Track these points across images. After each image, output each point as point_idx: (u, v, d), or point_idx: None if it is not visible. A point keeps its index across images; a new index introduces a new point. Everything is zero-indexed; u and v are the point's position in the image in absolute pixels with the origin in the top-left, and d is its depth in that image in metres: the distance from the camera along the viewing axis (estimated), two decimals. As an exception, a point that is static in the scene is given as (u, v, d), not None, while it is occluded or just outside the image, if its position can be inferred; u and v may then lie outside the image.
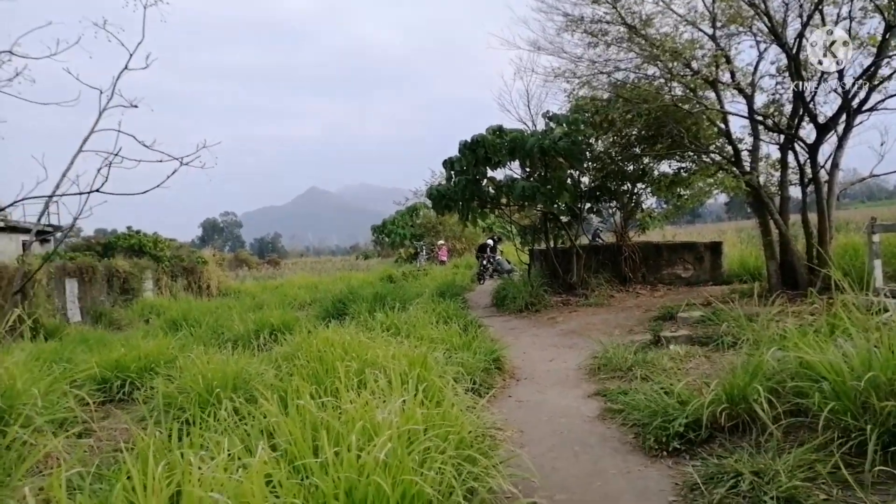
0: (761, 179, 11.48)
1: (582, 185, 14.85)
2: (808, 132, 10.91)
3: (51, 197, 5.85)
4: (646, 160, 13.88)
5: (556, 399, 6.53)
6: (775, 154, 11.87)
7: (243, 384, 5.72)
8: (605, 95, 12.76)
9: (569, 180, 13.78)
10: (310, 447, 3.29)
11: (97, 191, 5.50)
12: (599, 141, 14.04)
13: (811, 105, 10.33)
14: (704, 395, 4.89)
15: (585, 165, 14.11)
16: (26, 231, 21.93)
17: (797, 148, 10.93)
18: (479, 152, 12.96)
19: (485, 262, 23.06)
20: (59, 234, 23.93)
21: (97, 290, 21.29)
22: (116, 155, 5.54)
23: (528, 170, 13.93)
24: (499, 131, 13.20)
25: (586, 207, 15.73)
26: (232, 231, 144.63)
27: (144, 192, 5.72)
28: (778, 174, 11.68)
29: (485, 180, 13.84)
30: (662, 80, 11.44)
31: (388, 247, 41.11)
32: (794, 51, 10.05)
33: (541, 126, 13.83)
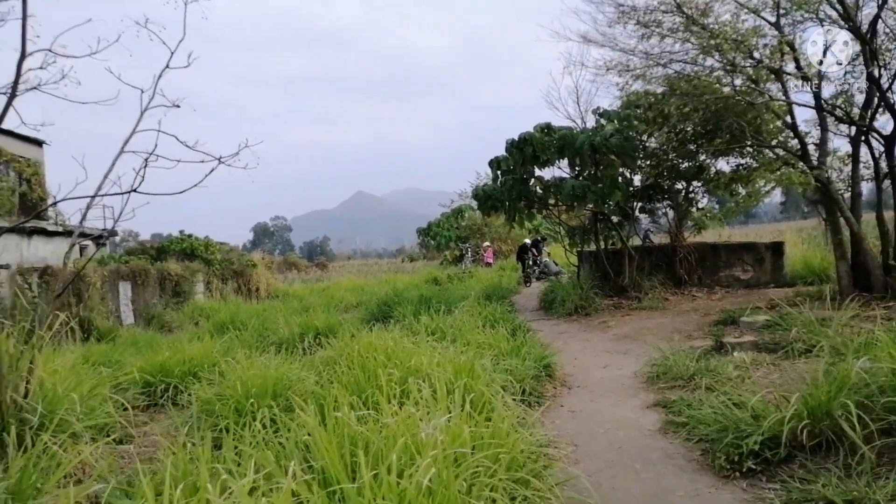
0: (830, 175, 10.75)
1: (634, 184, 14.27)
2: (883, 123, 10.15)
3: (93, 198, 5.78)
4: (702, 157, 13.21)
5: (611, 409, 6.10)
6: (845, 148, 11.12)
7: (283, 391, 5.51)
8: (660, 89, 12.17)
9: (620, 179, 13.23)
10: (346, 467, 3.01)
11: (135, 191, 5.38)
12: (653, 137, 13.44)
13: (888, 94, 9.58)
14: (782, 410, 4.40)
15: (638, 163, 13.54)
16: (83, 235, 22.56)
17: (871, 140, 10.17)
18: (526, 151, 12.56)
19: (529, 264, 22.58)
20: (100, 237, 24.57)
21: (150, 292, 21.74)
22: (155, 155, 5.42)
23: (577, 168, 13.45)
24: (547, 129, 12.77)
25: (638, 207, 15.13)
26: (282, 235, 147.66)
27: (182, 192, 5.58)
28: (848, 169, 10.92)
29: (532, 180, 13.43)
30: (722, 72, 10.83)
31: (434, 249, 40.97)
32: (868, 36, 9.34)
33: (590, 123, 13.36)
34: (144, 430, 6.13)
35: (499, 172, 13.33)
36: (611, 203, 13.28)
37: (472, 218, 37.43)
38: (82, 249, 22.56)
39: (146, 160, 5.34)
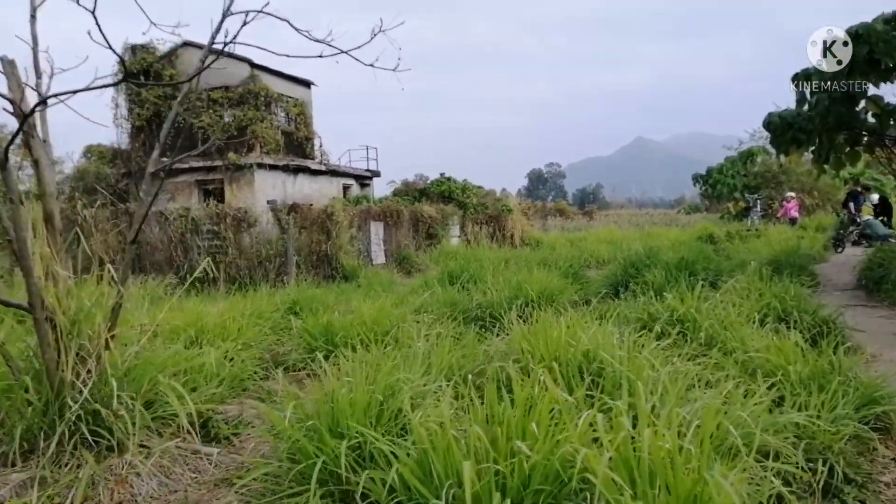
0: None
1: None
2: None
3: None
4: None
5: None
6: None
7: (394, 409, 3.47)
8: None
9: None
10: None
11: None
12: None
13: None
14: None
15: None
16: (345, 175, 23.49)
17: None
18: (858, 54, 8.38)
19: (844, 221, 17.20)
20: (363, 177, 25.23)
21: (402, 233, 21.75)
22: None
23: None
24: (897, 20, 8.36)
25: None
26: (555, 181, 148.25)
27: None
28: None
29: (863, 101, 9.14)
30: None
31: (714, 199, 35.23)
32: None
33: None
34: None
35: (806, 92, 9.32)
36: None
37: (767, 163, 31.02)
38: (346, 189, 23.51)
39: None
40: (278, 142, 18.87)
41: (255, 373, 6.37)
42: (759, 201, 28.71)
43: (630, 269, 11.12)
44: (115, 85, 3.40)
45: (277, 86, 19.54)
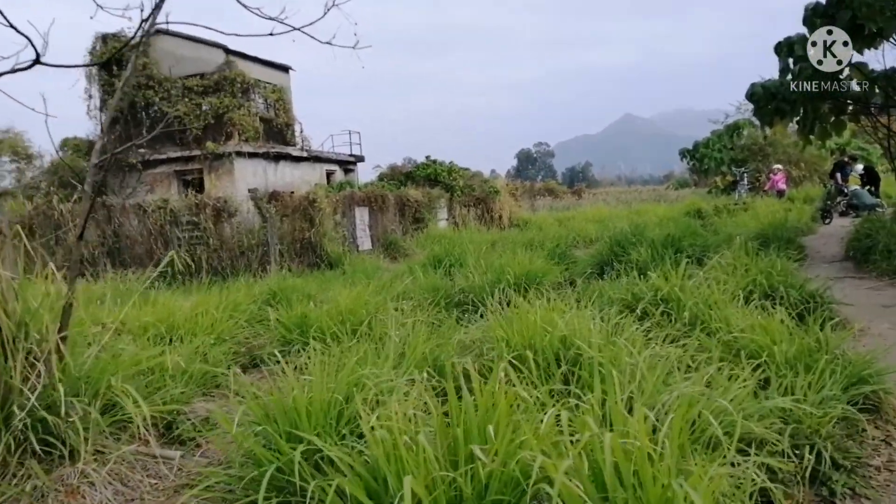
0: None
1: None
2: None
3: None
4: None
5: None
6: None
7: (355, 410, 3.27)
8: None
9: None
10: None
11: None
12: None
13: None
14: None
15: None
16: (328, 161, 23.12)
17: None
18: (840, 19, 8.15)
19: (831, 192, 17.12)
20: (346, 162, 24.88)
21: (388, 218, 21.48)
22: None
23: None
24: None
25: None
26: (545, 161, 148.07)
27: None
28: None
29: (847, 69, 8.94)
30: None
31: (702, 174, 35.04)
32: None
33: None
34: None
35: (790, 60, 9.10)
36: None
37: (753, 136, 30.86)
38: (329, 175, 23.15)
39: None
40: (257, 129, 18.48)
41: (229, 367, 6.19)
42: (745, 174, 28.58)
43: (616, 247, 10.95)
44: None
45: (255, 71, 19.09)
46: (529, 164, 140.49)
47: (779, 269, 6.76)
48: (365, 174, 38.90)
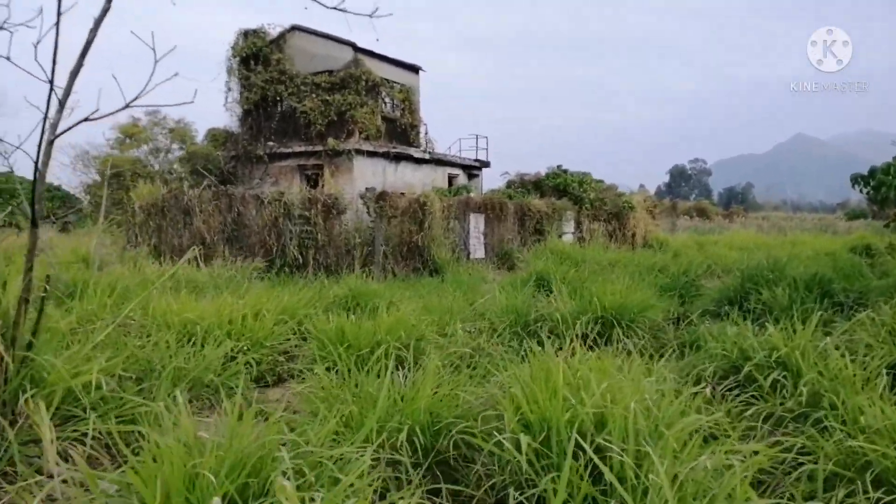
0: None
1: None
2: None
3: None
4: None
5: None
6: None
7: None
8: None
9: None
10: None
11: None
12: None
13: None
14: None
15: None
16: (451, 164, 22.58)
17: None
18: None
19: None
20: (471, 167, 24.10)
21: (505, 228, 20.49)
22: None
23: None
24: None
25: None
26: (700, 179, 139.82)
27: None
28: None
29: None
30: None
31: (879, 204, 30.06)
32: None
33: None
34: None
35: None
36: None
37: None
38: (452, 178, 22.61)
39: None
40: (379, 128, 18.32)
41: (253, 380, 5.61)
42: (937, 208, 24.02)
43: (748, 283, 9.19)
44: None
45: (383, 70, 18.99)
46: (683, 182, 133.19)
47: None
48: (493, 181, 38.06)
